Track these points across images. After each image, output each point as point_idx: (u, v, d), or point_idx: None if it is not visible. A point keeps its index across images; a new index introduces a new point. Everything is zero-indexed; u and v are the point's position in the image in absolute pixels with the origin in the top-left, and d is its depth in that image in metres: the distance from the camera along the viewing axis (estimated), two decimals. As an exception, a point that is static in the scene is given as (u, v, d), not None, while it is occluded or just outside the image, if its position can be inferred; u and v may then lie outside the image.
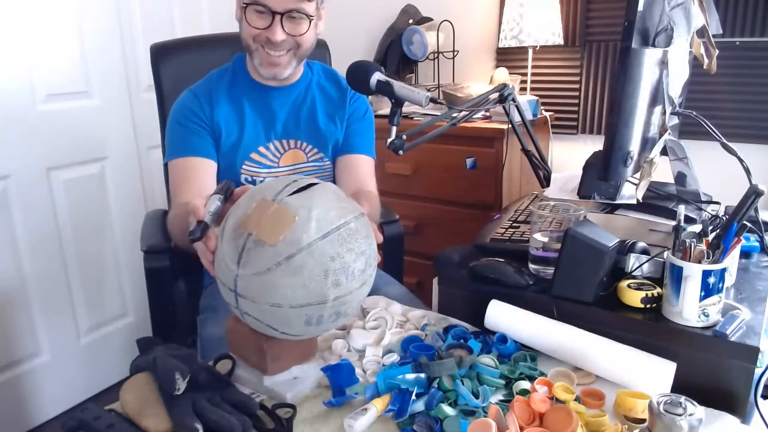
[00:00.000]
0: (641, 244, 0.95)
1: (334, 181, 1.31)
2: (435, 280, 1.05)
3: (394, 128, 1.04)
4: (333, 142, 1.28)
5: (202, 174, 1.18)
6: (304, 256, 0.70)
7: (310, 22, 1.13)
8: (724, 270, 0.81)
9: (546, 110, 2.24)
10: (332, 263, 0.71)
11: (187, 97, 1.21)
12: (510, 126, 1.73)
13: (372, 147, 1.33)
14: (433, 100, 1.07)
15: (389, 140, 1.02)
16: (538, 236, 0.98)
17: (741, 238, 0.84)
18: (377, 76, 1.07)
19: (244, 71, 1.23)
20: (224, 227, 0.76)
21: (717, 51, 1.19)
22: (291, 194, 0.74)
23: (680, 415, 0.64)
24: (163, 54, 1.46)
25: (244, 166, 1.21)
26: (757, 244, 1.09)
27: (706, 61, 1.19)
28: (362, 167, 1.29)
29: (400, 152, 1.03)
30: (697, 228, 0.86)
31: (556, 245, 0.93)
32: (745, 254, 1.09)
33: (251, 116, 1.21)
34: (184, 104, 1.20)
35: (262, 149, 1.22)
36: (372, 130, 1.35)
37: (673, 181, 1.20)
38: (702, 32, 1.17)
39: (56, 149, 1.88)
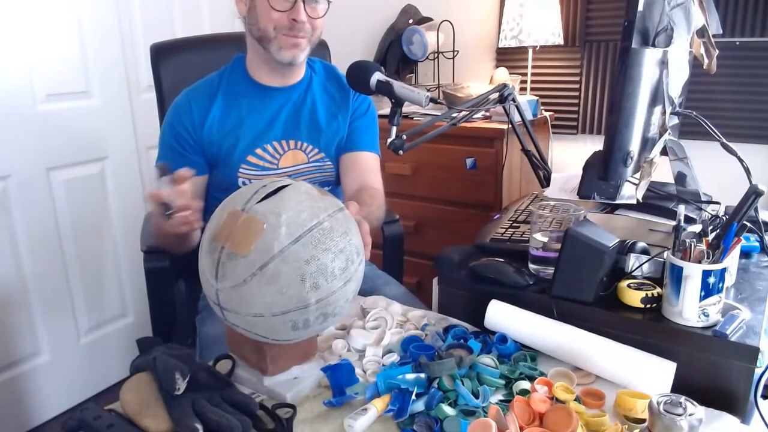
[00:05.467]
0: (641, 244, 0.95)
1: (337, 181, 1.31)
2: (435, 280, 1.05)
3: (394, 128, 1.04)
4: (337, 141, 1.28)
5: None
6: (278, 263, 0.69)
7: (328, 5, 1.16)
8: (724, 270, 0.81)
9: (546, 110, 2.23)
10: (308, 267, 0.70)
11: (181, 103, 1.21)
12: (510, 126, 1.73)
13: (376, 143, 1.33)
14: (433, 100, 1.07)
15: (389, 140, 1.02)
16: (538, 236, 0.98)
17: (741, 238, 0.84)
18: (377, 76, 1.07)
19: (244, 72, 1.23)
20: (202, 241, 0.76)
21: (717, 51, 1.19)
22: (261, 200, 0.73)
23: (680, 415, 0.64)
24: (163, 54, 1.46)
25: (241, 170, 1.20)
26: (757, 244, 1.09)
27: (706, 61, 1.19)
28: (366, 164, 1.28)
29: (400, 152, 1.02)
30: (697, 228, 0.86)
31: (556, 245, 0.93)
32: (745, 254, 1.09)
33: (249, 118, 1.21)
34: (176, 114, 1.20)
35: (259, 151, 1.21)
36: (375, 127, 1.34)
37: (673, 181, 1.20)
38: (702, 32, 1.17)
39: (56, 149, 1.88)
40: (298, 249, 0.70)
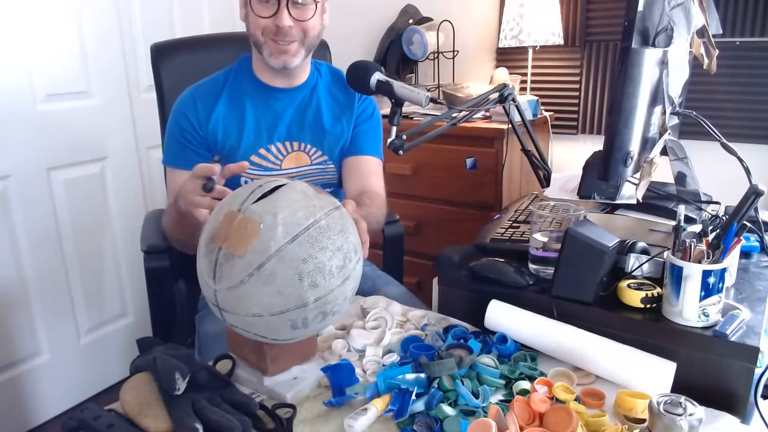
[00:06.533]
0: (641, 244, 0.95)
1: (340, 184, 1.31)
2: (435, 280, 1.05)
3: (394, 128, 1.04)
4: (341, 144, 1.27)
5: None
6: (275, 263, 0.69)
7: (316, 7, 1.13)
8: (724, 270, 0.81)
9: (546, 110, 2.23)
10: (305, 265, 0.70)
11: (186, 100, 1.21)
12: (510, 126, 1.73)
13: (379, 148, 1.32)
14: (433, 100, 1.07)
15: (389, 140, 1.02)
16: (538, 236, 0.98)
17: (741, 238, 0.84)
18: (377, 76, 1.08)
19: (249, 72, 1.23)
20: (199, 243, 0.76)
21: (717, 51, 1.19)
22: (256, 200, 0.73)
23: (680, 415, 0.64)
24: (163, 54, 1.46)
25: None
26: (757, 244, 1.09)
27: (706, 61, 1.19)
28: (368, 168, 1.28)
29: (400, 152, 1.03)
30: (697, 228, 0.86)
31: (556, 245, 0.93)
32: (745, 254, 1.09)
33: (253, 118, 1.21)
34: (181, 110, 1.20)
35: (263, 151, 1.21)
36: (379, 131, 1.34)
37: (673, 181, 1.20)
38: (702, 32, 1.17)
39: (56, 149, 1.88)
40: (294, 248, 0.70)
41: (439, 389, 0.78)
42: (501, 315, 0.91)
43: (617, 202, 1.14)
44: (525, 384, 0.80)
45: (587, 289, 0.89)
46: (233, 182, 1.20)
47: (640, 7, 0.89)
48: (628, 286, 0.89)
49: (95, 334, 2.09)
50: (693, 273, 0.80)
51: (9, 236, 1.79)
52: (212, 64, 1.28)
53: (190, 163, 1.14)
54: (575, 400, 0.76)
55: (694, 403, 0.66)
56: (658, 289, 0.87)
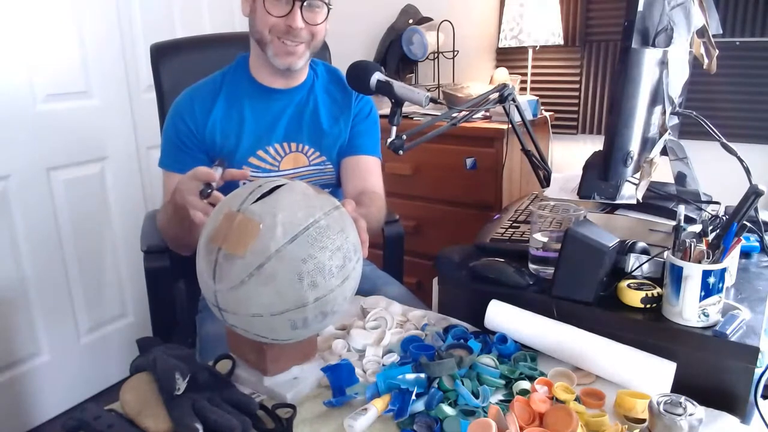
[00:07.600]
0: (641, 244, 0.95)
1: (338, 183, 1.31)
2: (435, 280, 1.05)
3: (394, 128, 1.04)
4: (338, 145, 1.27)
5: None
6: (274, 263, 0.69)
7: (327, 11, 1.14)
8: (724, 270, 0.81)
9: (546, 110, 2.23)
10: (305, 265, 0.70)
11: (184, 101, 1.20)
12: (510, 126, 1.73)
13: (377, 147, 1.32)
14: (433, 100, 1.07)
15: (389, 140, 1.02)
16: (538, 236, 0.98)
17: (741, 238, 0.85)
18: (377, 76, 1.08)
19: (247, 72, 1.22)
20: (199, 244, 0.76)
21: (717, 51, 1.19)
22: (256, 200, 0.73)
23: (680, 415, 0.64)
24: (163, 54, 1.46)
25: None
26: (757, 244, 1.09)
27: (706, 61, 1.19)
28: (367, 168, 1.28)
29: (400, 152, 1.03)
30: (697, 228, 0.86)
31: (556, 245, 0.93)
32: (745, 254, 1.09)
33: (251, 119, 1.20)
34: (178, 112, 1.19)
35: (261, 153, 1.21)
36: (377, 130, 1.33)
37: (673, 181, 1.20)
38: (702, 32, 1.17)
39: (56, 149, 1.88)
40: (294, 248, 0.70)
41: (439, 389, 0.78)
42: (501, 315, 0.91)
43: (617, 202, 1.14)
44: (525, 384, 0.80)
45: (587, 289, 0.89)
46: (232, 183, 1.20)
47: (640, 7, 0.89)
48: (628, 286, 0.89)
49: (95, 334, 2.09)
50: (693, 273, 0.80)
51: (9, 236, 1.79)
52: (212, 64, 1.28)
53: (187, 167, 1.14)
54: (575, 400, 0.76)
55: (694, 403, 0.66)
56: (658, 289, 0.87)
